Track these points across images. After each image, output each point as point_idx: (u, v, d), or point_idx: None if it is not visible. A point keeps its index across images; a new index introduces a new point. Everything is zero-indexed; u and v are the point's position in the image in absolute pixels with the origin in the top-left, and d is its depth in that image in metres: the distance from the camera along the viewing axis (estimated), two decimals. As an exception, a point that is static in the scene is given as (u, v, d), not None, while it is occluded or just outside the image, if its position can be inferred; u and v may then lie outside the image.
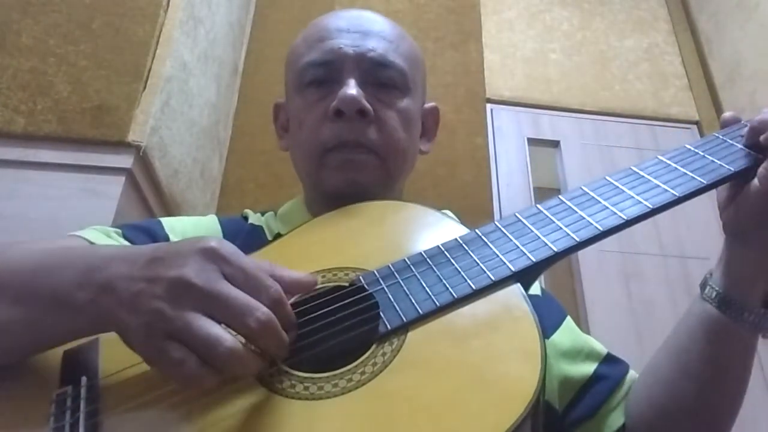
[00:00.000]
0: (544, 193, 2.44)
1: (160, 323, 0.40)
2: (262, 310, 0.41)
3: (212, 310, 0.41)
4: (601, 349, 0.73)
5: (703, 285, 0.61)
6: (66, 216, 1.14)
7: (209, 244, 0.44)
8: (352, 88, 0.67)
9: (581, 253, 2.19)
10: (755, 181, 0.54)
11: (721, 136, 0.60)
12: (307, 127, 0.69)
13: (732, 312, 0.57)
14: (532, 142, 2.44)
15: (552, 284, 2.16)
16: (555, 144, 2.46)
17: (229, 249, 0.44)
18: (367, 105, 0.67)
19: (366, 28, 0.72)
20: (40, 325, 0.46)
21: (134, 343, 0.42)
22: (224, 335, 0.40)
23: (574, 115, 2.51)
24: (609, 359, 0.72)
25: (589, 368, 0.69)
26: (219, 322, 0.41)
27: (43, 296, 0.46)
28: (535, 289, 0.75)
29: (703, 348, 0.60)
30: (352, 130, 0.67)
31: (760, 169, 0.54)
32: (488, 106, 2.40)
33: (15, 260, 0.50)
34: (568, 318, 0.75)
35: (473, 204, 2.06)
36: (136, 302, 0.41)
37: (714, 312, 0.58)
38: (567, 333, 0.72)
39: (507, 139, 2.40)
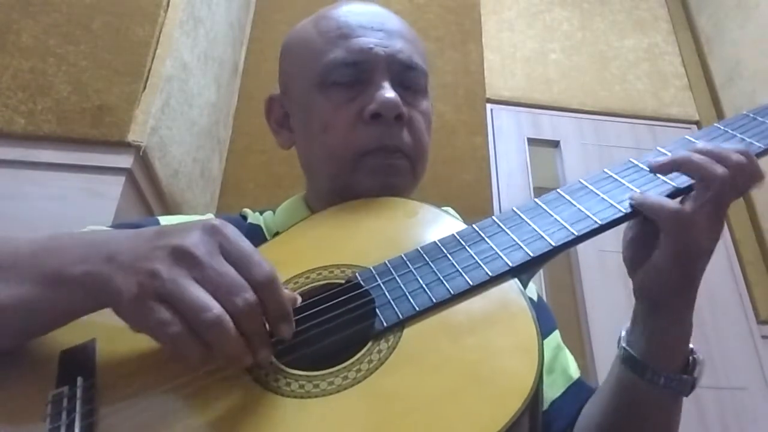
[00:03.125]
0: (543, 193, 2.44)
1: (153, 283, 0.41)
2: (251, 292, 0.42)
3: (205, 281, 0.41)
4: (573, 372, 0.71)
5: (624, 349, 0.57)
6: (66, 216, 1.14)
7: (213, 222, 0.45)
8: (390, 92, 0.65)
9: (581, 253, 2.19)
10: (660, 245, 0.52)
11: (747, 114, 0.60)
12: (337, 129, 0.66)
13: (648, 376, 0.54)
14: (532, 142, 2.44)
15: (552, 284, 2.16)
16: (555, 144, 2.46)
17: (231, 229, 0.45)
18: (404, 109, 0.65)
19: (388, 27, 0.70)
20: (40, 303, 0.46)
21: (124, 305, 0.42)
22: (213, 303, 0.40)
23: (574, 115, 2.51)
24: (577, 386, 0.69)
25: (554, 392, 0.68)
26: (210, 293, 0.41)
27: (45, 274, 0.46)
28: (531, 293, 0.75)
29: (621, 409, 0.58)
30: (391, 135, 0.65)
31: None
32: (488, 106, 2.41)
33: (18, 243, 0.50)
34: (556, 332, 0.74)
35: (473, 204, 2.06)
36: (135, 266, 0.42)
37: (631, 376, 0.56)
38: (550, 347, 0.71)
39: (507, 139, 2.40)
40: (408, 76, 0.68)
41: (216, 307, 0.40)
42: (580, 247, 2.21)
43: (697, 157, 0.52)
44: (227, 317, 0.40)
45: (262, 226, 0.76)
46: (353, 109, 0.66)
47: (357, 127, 0.65)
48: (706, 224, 0.50)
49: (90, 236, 0.50)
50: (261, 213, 0.79)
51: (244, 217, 0.78)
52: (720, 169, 0.50)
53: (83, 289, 0.45)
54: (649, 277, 0.54)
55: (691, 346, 0.56)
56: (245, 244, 0.45)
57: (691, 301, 0.54)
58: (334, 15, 0.71)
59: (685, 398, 0.58)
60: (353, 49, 0.67)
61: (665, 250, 0.51)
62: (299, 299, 0.47)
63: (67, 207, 1.16)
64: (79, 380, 0.46)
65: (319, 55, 0.68)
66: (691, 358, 0.55)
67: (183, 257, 0.42)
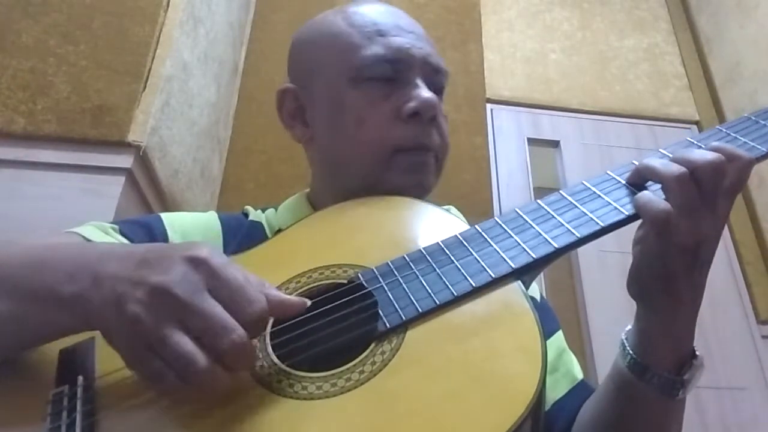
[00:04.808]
0: (544, 193, 2.42)
1: (138, 332, 0.40)
2: (237, 333, 0.40)
3: (188, 323, 0.40)
4: (577, 373, 0.71)
5: (622, 343, 0.58)
6: (66, 216, 1.13)
7: (199, 253, 0.43)
8: (428, 92, 0.66)
9: (581, 254, 2.19)
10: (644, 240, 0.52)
11: (750, 117, 0.59)
12: (373, 124, 0.66)
13: (642, 375, 0.55)
14: (532, 142, 2.44)
15: (552, 285, 2.16)
16: (555, 144, 2.46)
17: (219, 260, 0.43)
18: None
19: (418, 31, 0.71)
20: (30, 319, 0.46)
21: (116, 346, 0.42)
22: (197, 355, 0.39)
23: (574, 115, 2.51)
24: (580, 387, 0.69)
25: (557, 393, 0.68)
26: (196, 335, 0.40)
27: (36, 290, 0.46)
28: (534, 292, 0.74)
29: (615, 404, 0.59)
30: (426, 134, 0.67)
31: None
32: (488, 106, 2.41)
33: (11, 256, 0.50)
34: (560, 332, 0.74)
35: (473, 204, 2.06)
36: (118, 304, 0.41)
37: (625, 372, 0.56)
38: (553, 347, 0.71)
39: (507, 139, 2.40)
40: (437, 80, 0.70)
41: (200, 360, 0.39)
42: (581, 247, 2.21)
43: (656, 162, 0.52)
44: (212, 367, 0.39)
45: (264, 223, 0.75)
46: (390, 106, 0.66)
47: (394, 123, 0.66)
48: (683, 223, 0.49)
49: (80, 251, 0.49)
50: (263, 210, 0.79)
51: (246, 215, 0.78)
52: (675, 169, 0.50)
53: (73, 311, 0.44)
54: (635, 271, 0.55)
55: (696, 351, 0.56)
56: (233, 277, 0.42)
57: (678, 301, 0.53)
58: (367, 12, 0.71)
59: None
60: (392, 47, 0.67)
61: (650, 246, 0.52)
62: (308, 302, 0.47)
63: (67, 207, 1.15)
64: (80, 379, 0.45)
65: (356, 49, 0.68)
66: (694, 361, 0.55)
67: (163, 298, 0.40)
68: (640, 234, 0.53)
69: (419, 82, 0.67)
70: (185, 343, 0.39)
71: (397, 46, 0.68)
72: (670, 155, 0.53)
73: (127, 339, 0.41)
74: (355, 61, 0.68)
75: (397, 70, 0.67)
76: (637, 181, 0.54)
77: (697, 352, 0.56)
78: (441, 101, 0.72)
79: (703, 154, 0.50)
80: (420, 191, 0.67)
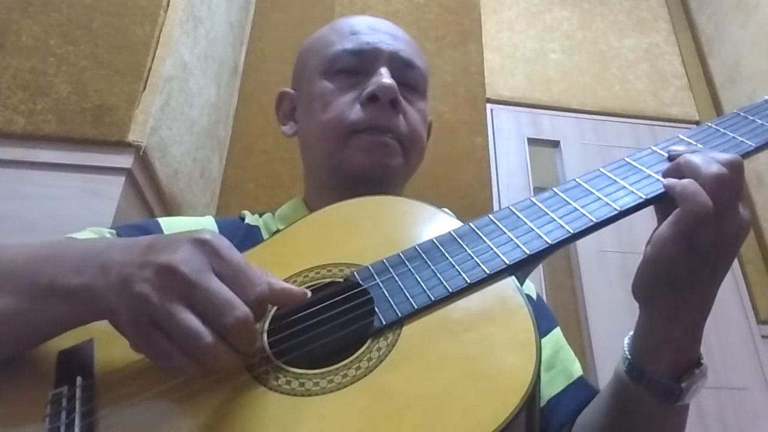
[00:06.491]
0: (544, 193, 2.44)
1: (144, 309, 0.41)
2: (241, 309, 0.41)
3: (193, 300, 0.41)
4: (574, 371, 0.71)
5: (623, 347, 0.58)
6: (66, 216, 1.13)
7: (203, 236, 0.44)
8: (388, 78, 0.71)
9: (581, 253, 2.19)
10: (652, 241, 0.52)
11: (738, 113, 0.60)
12: (336, 108, 0.71)
13: (638, 380, 0.55)
14: (532, 142, 2.44)
15: (552, 285, 2.16)
16: (555, 144, 2.46)
17: (223, 243, 0.45)
18: (400, 97, 0.71)
19: (394, 33, 0.78)
20: (36, 313, 0.46)
21: (122, 328, 0.43)
22: (203, 332, 0.40)
23: (574, 115, 2.51)
24: (577, 384, 0.70)
25: (553, 389, 0.68)
26: (200, 313, 0.41)
27: (40, 285, 0.46)
28: (530, 291, 0.75)
29: (613, 409, 0.59)
30: (383, 116, 0.70)
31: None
32: (488, 106, 2.40)
33: (14, 253, 0.50)
34: (557, 329, 0.74)
35: (473, 204, 2.06)
36: (124, 285, 0.42)
37: (624, 376, 0.57)
38: (549, 344, 0.71)
39: (507, 139, 2.40)
40: (408, 74, 0.75)
41: (206, 335, 0.40)
42: (580, 247, 2.22)
43: (698, 159, 0.51)
44: (218, 343, 0.40)
45: (261, 227, 0.76)
46: (353, 93, 0.72)
47: (353, 107, 0.71)
48: (714, 222, 0.49)
49: (86, 245, 0.50)
50: (260, 215, 0.79)
51: (242, 219, 0.78)
52: (716, 169, 0.50)
53: (78, 302, 0.45)
54: (645, 271, 0.54)
55: (701, 360, 0.55)
56: (237, 258, 0.44)
57: (682, 306, 0.53)
58: (349, 19, 0.81)
59: None
60: (360, 42, 0.74)
61: (668, 244, 0.51)
62: (308, 293, 0.48)
63: (67, 207, 1.15)
64: (79, 380, 0.46)
65: (330, 46, 0.76)
66: (696, 370, 0.54)
67: (170, 276, 0.41)
68: (661, 233, 0.52)
69: (385, 71, 0.72)
70: (191, 319, 0.40)
71: (366, 41, 0.74)
72: (660, 151, 0.54)
73: (133, 316, 0.41)
74: (327, 56, 0.75)
75: (362, 61, 0.73)
76: (674, 175, 0.53)
77: (702, 360, 0.55)
78: (421, 99, 0.77)
79: (719, 170, 0.50)
80: (380, 172, 0.70)
